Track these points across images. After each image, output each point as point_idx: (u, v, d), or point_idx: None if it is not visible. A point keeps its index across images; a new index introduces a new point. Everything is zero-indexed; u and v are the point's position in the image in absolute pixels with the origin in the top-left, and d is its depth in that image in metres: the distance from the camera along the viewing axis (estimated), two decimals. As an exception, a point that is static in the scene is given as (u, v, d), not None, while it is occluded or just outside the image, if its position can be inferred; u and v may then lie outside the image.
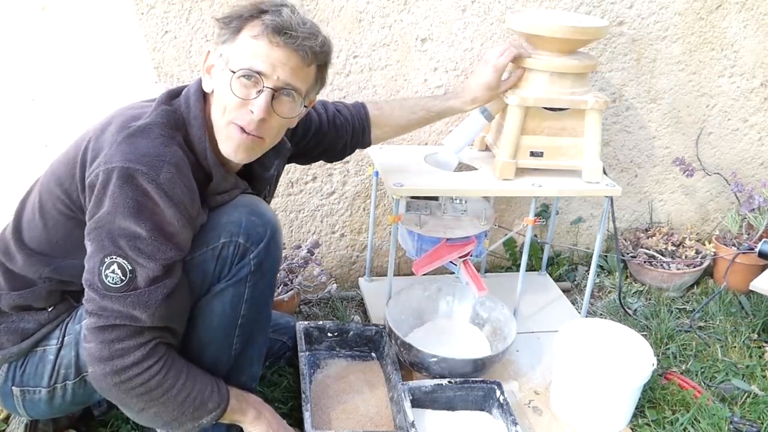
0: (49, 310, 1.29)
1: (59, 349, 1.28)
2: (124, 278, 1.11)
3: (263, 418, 1.31)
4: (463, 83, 1.81)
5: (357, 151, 1.88)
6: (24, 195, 1.32)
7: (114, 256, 1.11)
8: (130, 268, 1.11)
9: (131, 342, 1.13)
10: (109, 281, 1.11)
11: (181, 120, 1.23)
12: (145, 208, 1.11)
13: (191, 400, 1.19)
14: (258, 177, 1.40)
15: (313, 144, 1.60)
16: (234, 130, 1.21)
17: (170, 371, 1.16)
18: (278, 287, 1.86)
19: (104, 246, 1.11)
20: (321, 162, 1.98)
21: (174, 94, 1.27)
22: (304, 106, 1.29)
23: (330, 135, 1.61)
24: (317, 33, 1.23)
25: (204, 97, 1.26)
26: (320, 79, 1.30)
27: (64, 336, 1.28)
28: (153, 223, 1.12)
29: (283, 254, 1.93)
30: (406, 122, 1.71)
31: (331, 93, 1.90)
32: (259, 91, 1.19)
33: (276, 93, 1.20)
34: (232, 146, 1.23)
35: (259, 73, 1.18)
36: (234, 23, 1.20)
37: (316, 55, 1.22)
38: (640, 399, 1.61)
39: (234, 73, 1.18)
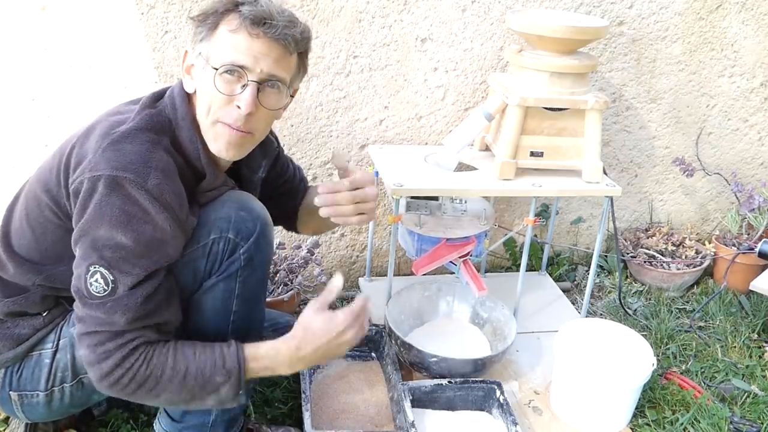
0: (44, 314, 1.28)
1: (55, 353, 1.27)
2: (106, 288, 1.11)
3: (300, 362, 1.24)
4: None
5: (357, 150, 1.88)
6: (10, 202, 1.29)
7: (97, 266, 1.10)
8: (111, 278, 1.11)
9: (110, 345, 1.12)
10: (93, 289, 1.11)
11: (167, 122, 1.20)
12: (133, 217, 1.10)
13: (191, 381, 1.16)
14: (246, 179, 1.39)
15: (277, 186, 1.55)
16: (222, 128, 1.19)
17: (151, 364, 1.14)
18: (278, 287, 1.86)
19: (89, 255, 1.11)
20: (321, 162, 1.98)
21: (158, 96, 1.25)
22: (290, 96, 1.26)
23: (292, 191, 1.58)
24: (296, 20, 1.19)
25: (189, 98, 1.24)
26: (302, 67, 1.27)
27: (59, 339, 1.27)
28: (140, 233, 1.10)
29: (284, 254, 1.93)
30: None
31: (331, 93, 1.90)
32: (244, 86, 1.16)
33: (261, 86, 1.17)
34: (222, 144, 1.21)
35: (242, 67, 1.15)
36: (210, 19, 1.17)
37: (298, 43, 1.19)
38: (640, 399, 1.61)
39: (216, 70, 1.15)
